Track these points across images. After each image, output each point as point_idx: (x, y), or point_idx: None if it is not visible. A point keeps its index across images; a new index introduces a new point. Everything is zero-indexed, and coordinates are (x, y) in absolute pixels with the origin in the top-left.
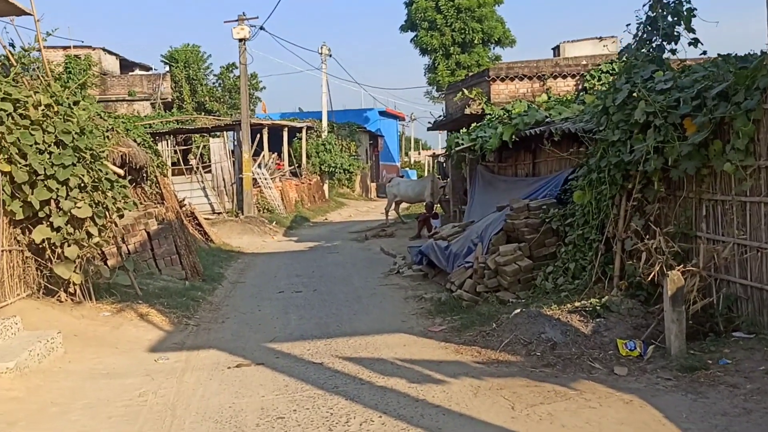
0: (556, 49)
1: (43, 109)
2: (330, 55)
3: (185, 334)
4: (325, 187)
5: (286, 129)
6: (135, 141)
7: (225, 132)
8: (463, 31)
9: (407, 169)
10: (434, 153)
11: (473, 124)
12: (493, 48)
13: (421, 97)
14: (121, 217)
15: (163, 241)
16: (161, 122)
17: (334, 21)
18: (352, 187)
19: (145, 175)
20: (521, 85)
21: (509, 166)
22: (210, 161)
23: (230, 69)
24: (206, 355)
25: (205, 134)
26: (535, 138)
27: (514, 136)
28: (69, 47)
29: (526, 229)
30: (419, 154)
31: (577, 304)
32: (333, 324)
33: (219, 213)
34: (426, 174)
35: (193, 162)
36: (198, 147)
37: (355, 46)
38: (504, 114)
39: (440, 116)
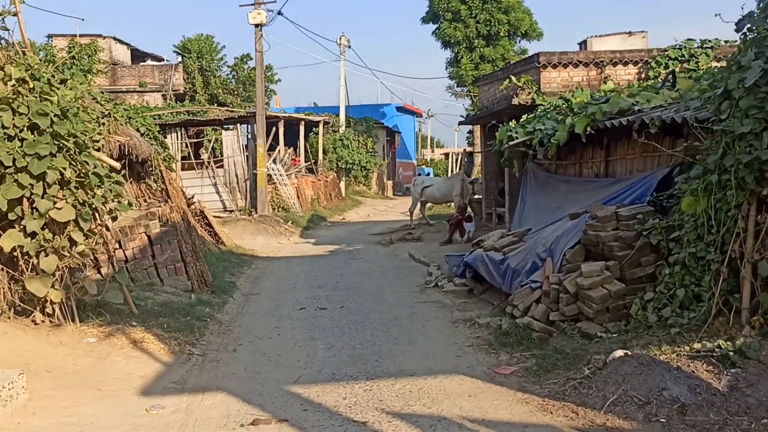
0: (583, 44)
1: (14, 85)
2: (349, 46)
3: (188, 368)
4: (342, 184)
5: (302, 123)
6: (138, 131)
7: (239, 125)
8: (488, 22)
9: (424, 167)
10: (464, 149)
11: (524, 116)
12: (519, 41)
13: (439, 93)
14: (114, 219)
15: (167, 246)
16: (171, 113)
17: (353, 11)
18: (368, 185)
19: (149, 169)
20: (576, 73)
21: (571, 164)
22: (222, 156)
23: (245, 60)
24: (213, 401)
25: (218, 127)
26: (610, 131)
27: (589, 129)
28: (77, 36)
29: (615, 244)
30: (433, 152)
31: (696, 345)
32: (371, 357)
33: (231, 211)
34: (451, 173)
35: (204, 156)
36: (210, 140)
37: (375, 38)
38: (563, 104)
39: (471, 110)
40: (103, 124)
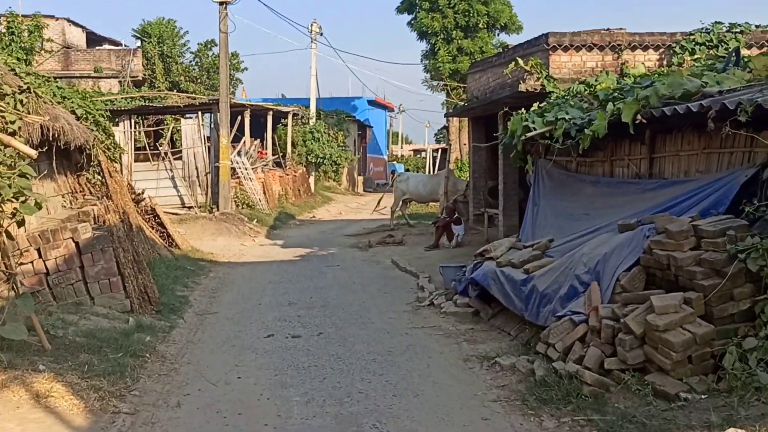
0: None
1: None
2: (321, 33)
3: None
4: (311, 179)
5: (270, 113)
6: (74, 113)
7: (201, 114)
8: (467, 13)
9: (394, 162)
10: (442, 146)
11: (535, 105)
12: (498, 34)
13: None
14: (20, 224)
15: (99, 255)
16: (124, 98)
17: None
18: (338, 181)
19: (86, 159)
20: (589, 57)
21: (598, 162)
22: (181, 146)
23: (209, 46)
24: None
25: (178, 116)
26: (657, 121)
27: (640, 117)
28: (27, 16)
29: (698, 270)
30: (401, 148)
31: None
32: (365, 419)
33: (190, 207)
34: (432, 171)
35: (162, 147)
36: (170, 130)
37: (347, 28)
38: (585, 89)
39: (448, 104)
40: (21, 101)
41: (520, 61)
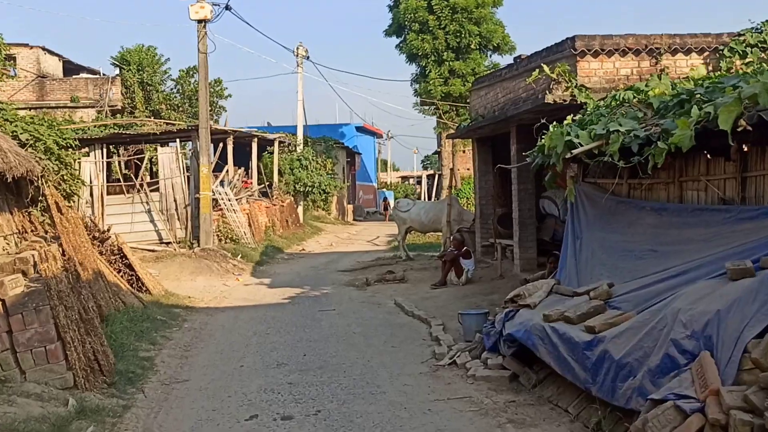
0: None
1: None
2: (307, 57)
3: None
4: (299, 209)
5: (255, 140)
6: (17, 139)
7: (179, 142)
8: (458, 34)
9: (384, 190)
10: (436, 170)
11: (569, 118)
12: (491, 55)
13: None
14: None
15: (32, 316)
16: (95, 126)
17: (311, 22)
18: (328, 210)
19: (32, 193)
20: (623, 63)
21: (660, 184)
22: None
23: (191, 73)
24: None
25: (156, 144)
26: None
27: (743, 122)
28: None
29: None
30: (388, 175)
31: None
32: None
33: (168, 243)
34: (431, 198)
35: (141, 178)
36: (146, 160)
37: (333, 53)
38: (633, 97)
39: (437, 129)
40: None
41: (546, 69)
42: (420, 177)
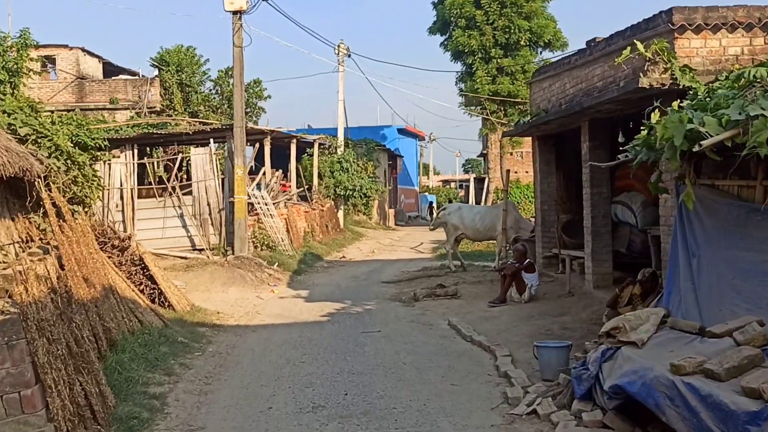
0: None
1: None
2: (349, 55)
3: None
4: (340, 214)
5: (294, 141)
6: (16, 132)
7: (215, 142)
8: (507, 29)
9: (426, 194)
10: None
11: (675, 103)
12: (541, 52)
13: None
14: None
15: (4, 353)
16: (127, 125)
17: (351, 21)
18: (369, 214)
19: (35, 196)
20: (732, 41)
21: None
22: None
23: (230, 73)
24: None
25: (188, 144)
26: None
27: None
28: (41, 46)
29: None
30: (428, 178)
31: None
32: None
33: (201, 250)
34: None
35: (171, 181)
36: (178, 162)
37: (373, 51)
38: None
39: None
40: None
41: (640, 46)
42: (464, 181)
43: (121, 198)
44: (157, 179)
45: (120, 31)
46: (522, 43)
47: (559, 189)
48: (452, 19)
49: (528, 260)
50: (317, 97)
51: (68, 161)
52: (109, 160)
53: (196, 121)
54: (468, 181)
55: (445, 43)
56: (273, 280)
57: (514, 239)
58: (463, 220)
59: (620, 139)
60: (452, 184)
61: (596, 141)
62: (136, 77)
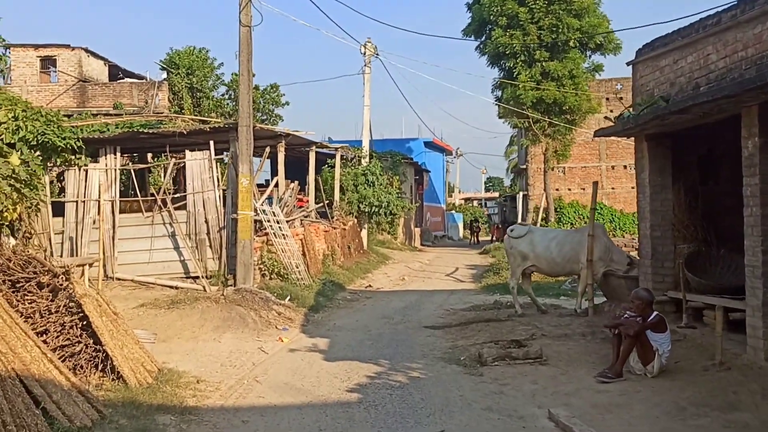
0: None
1: None
2: (376, 55)
3: None
4: (363, 233)
5: (313, 150)
6: None
7: (212, 145)
8: (554, 28)
9: (453, 212)
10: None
11: None
12: (590, 55)
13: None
14: None
15: None
16: (111, 124)
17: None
18: (394, 234)
19: None
20: None
21: None
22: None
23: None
24: None
25: (182, 147)
26: None
27: None
28: (41, 46)
29: None
30: (451, 197)
31: None
32: None
33: (195, 278)
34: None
35: (162, 191)
36: (170, 169)
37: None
38: None
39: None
40: None
41: None
42: (488, 199)
43: (99, 213)
44: (146, 191)
45: (127, 34)
46: (571, 44)
47: (677, 209)
48: (491, 17)
49: (656, 314)
50: (337, 109)
51: None
52: (85, 165)
53: (192, 119)
54: (494, 199)
55: (482, 46)
56: (282, 322)
57: (603, 275)
58: (535, 247)
59: None
60: (475, 203)
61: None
62: (143, 81)
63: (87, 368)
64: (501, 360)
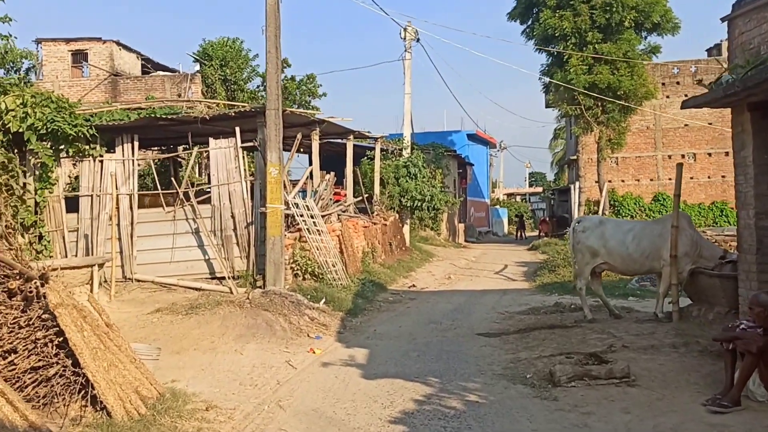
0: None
1: None
2: (417, 40)
3: None
4: (405, 229)
5: (350, 138)
6: None
7: (238, 131)
8: (608, 8)
9: (497, 207)
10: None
11: None
12: (646, 37)
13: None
14: None
15: None
16: (128, 110)
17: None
18: (437, 230)
19: None
20: None
21: None
22: (210, 182)
23: (281, 68)
24: None
25: (204, 136)
26: None
27: None
28: (72, 40)
29: None
30: (493, 192)
31: None
32: None
33: (222, 279)
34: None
35: (184, 183)
36: (191, 160)
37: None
38: None
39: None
40: None
41: None
42: (533, 194)
43: (114, 207)
44: (167, 183)
45: (159, 26)
46: (626, 24)
47: None
48: None
49: None
50: (376, 104)
51: None
52: (100, 156)
53: (216, 103)
54: (538, 194)
55: (529, 29)
56: (315, 329)
57: (690, 273)
58: (607, 241)
59: None
60: (518, 198)
61: None
62: (176, 73)
63: (65, 396)
64: (578, 380)
